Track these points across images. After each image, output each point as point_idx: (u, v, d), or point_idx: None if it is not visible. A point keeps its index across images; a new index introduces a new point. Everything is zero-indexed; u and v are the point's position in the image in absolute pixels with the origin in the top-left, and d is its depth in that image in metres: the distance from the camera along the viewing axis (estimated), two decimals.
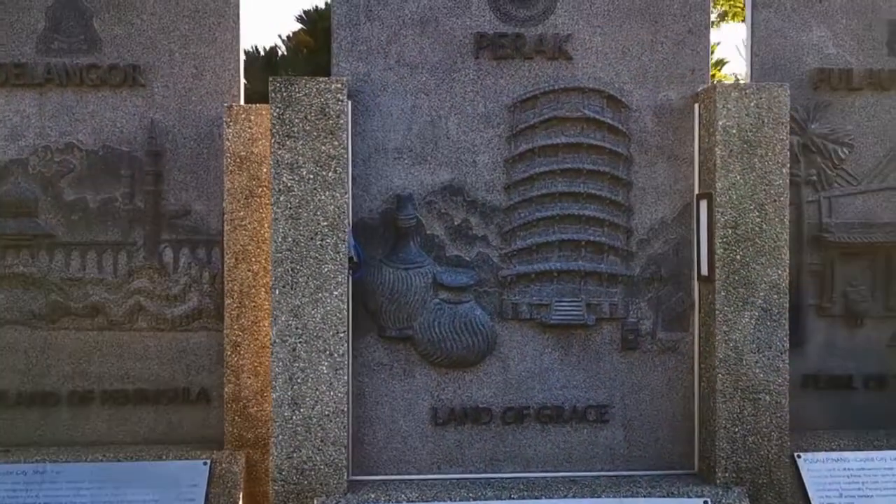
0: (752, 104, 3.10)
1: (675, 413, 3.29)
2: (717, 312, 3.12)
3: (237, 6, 3.64)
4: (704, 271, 3.21)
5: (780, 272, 3.11)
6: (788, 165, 3.13)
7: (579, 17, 3.27)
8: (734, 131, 3.10)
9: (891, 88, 3.84)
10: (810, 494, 3.46)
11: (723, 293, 3.11)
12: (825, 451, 3.59)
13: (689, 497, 3.06)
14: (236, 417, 3.47)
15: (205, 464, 3.43)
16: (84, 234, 3.60)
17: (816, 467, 3.56)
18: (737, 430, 3.12)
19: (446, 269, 3.21)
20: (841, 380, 3.85)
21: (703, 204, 3.19)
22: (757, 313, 3.11)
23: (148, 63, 3.62)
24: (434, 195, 3.22)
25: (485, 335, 3.21)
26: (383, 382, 3.21)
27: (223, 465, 3.44)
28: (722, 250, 3.11)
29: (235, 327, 3.46)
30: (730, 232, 3.11)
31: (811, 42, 3.83)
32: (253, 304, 3.42)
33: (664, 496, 3.06)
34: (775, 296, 3.11)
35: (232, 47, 3.64)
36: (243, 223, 3.42)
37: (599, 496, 3.06)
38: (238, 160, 3.43)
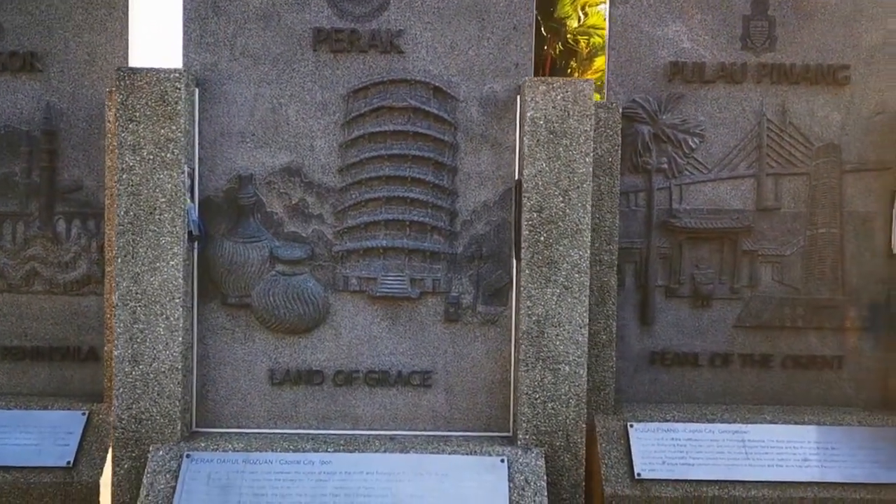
0: (559, 97, 3.29)
1: (494, 380, 3.52)
2: (521, 289, 3.35)
3: None
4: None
5: (581, 253, 3.30)
6: (592, 155, 3.31)
7: (411, 13, 3.48)
8: (541, 122, 3.29)
9: (742, 81, 4.01)
10: (634, 461, 3.70)
11: (527, 271, 3.33)
12: (658, 421, 3.83)
13: (489, 455, 3.30)
14: None
15: (83, 414, 3.81)
16: None
17: (645, 436, 3.79)
18: (537, 396, 3.35)
19: (283, 244, 3.48)
20: (687, 357, 4.07)
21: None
22: (559, 290, 3.32)
23: (45, 50, 3.96)
24: (274, 176, 3.48)
25: (316, 304, 3.48)
26: (226, 345, 3.50)
27: (100, 416, 3.80)
28: (528, 232, 3.31)
29: None
30: (535, 215, 3.31)
31: (666, 36, 4.01)
32: None
33: (467, 454, 3.31)
34: (576, 275, 3.32)
35: (121, 35, 3.96)
36: None
37: (408, 452, 3.32)
38: None
